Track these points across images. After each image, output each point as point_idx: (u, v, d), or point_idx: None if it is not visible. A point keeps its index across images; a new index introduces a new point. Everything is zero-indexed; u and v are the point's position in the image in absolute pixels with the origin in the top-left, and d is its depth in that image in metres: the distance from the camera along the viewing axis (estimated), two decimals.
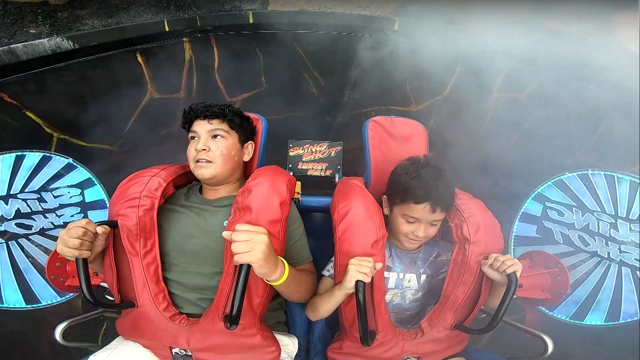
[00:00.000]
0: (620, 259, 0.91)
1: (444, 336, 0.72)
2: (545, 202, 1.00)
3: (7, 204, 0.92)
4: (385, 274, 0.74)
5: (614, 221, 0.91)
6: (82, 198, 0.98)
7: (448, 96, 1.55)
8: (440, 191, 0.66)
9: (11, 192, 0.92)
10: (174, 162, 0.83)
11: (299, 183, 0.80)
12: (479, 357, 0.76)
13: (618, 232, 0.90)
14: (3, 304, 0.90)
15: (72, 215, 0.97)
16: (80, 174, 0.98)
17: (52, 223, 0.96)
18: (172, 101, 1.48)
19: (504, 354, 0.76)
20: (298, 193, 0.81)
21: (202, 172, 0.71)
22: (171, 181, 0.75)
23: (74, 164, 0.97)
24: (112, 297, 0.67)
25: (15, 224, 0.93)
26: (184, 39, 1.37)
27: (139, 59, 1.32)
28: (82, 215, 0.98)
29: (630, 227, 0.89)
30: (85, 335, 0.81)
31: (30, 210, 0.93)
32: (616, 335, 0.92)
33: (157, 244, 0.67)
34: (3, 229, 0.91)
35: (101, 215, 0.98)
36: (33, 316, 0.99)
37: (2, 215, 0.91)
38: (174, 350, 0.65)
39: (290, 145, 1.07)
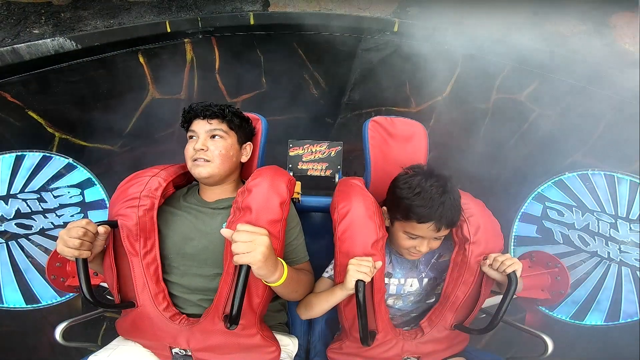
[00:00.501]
0: (620, 259, 0.90)
1: (444, 336, 0.72)
2: (545, 202, 1.00)
3: (7, 204, 0.92)
4: (386, 280, 0.73)
5: (614, 221, 0.91)
6: (82, 198, 0.98)
7: (448, 96, 1.55)
8: (445, 208, 0.61)
9: (11, 192, 0.92)
10: (174, 163, 0.83)
11: (299, 183, 0.81)
12: (479, 357, 0.76)
13: (618, 232, 0.90)
14: (3, 304, 0.90)
15: (72, 215, 0.97)
16: (80, 174, 0.99)
17: (52, 223, 0.96)
18: (173, 102, 1.48)
19: (504, 354, 0.76)
20: (298, 193, 0.81)
21: (199, 170, 0.72)
22: (171, 181, 0.76)
23: (74, 164, 0.98)
24: (112, 297, 0.67)
25: (15, 224, 0.93)
26: (186, 40, 1.37)
27: (141, 59, 1.33)
28: (82, 215, 0.98)
29: (630, 227, 0.89)
30: (85, 335, 0.81)
31: (30, 210, 0.94)
32: (616, 335, 0.92)
33: (157, 244, 0.68)
34: (3, 229, 0.92)
35: (101, 215, 0.98)
36: (33, 316, 0.99)
37: (2, 215, 0.91)
38: (174, 350, 0.65)
39: (290, 145, 1.07)
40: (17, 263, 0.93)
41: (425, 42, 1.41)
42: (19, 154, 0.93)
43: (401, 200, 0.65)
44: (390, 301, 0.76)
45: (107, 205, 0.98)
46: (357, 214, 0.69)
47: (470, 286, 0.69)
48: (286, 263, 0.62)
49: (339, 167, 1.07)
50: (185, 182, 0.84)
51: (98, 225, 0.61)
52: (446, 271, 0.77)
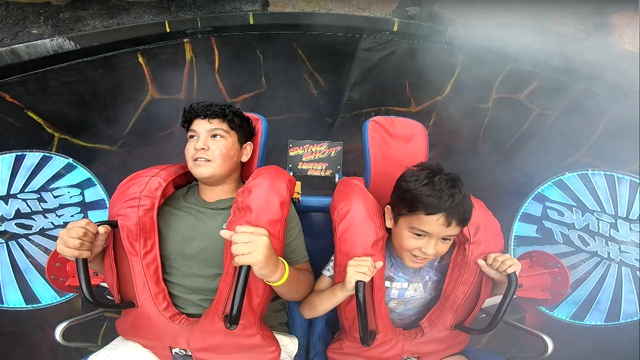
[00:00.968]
0: (620, 259, 0.90)
1: (444, 336, 0.71)
2: (545, 202, 1.00)
3: (7, 204, 0.92)
4: (387, 284, 0.72)
5: (614, 221, 0.91)
6: (82, 198, 0.98)
7: (448, 96, 1.55)
8: (455, 200, 0.55)
9: (11, 192, 0.92)
10: (174, 162, 0.83)
11: (299, 183, 0.80)
12: (479, 357, 0.76)
13: (618, 232, 0.90)
14: (3, 304, 0.90)
15: (72, 215, 0.97)
16: (80, 174, 0.98)
17: (52, 223, 0.96)
18: (172, 102, 1.48)
19: (504, 354, 0.76)
20: (298, 193, 0.81)
21: (200, 170, 0.72)
22: (171, 181, 0.76)
23: (74, 164, 0.98)
24: (112, 297, 0.67)
25: (15, 224, 0.93)
26: (185, 40, 1.37)
27: (140, 59, 1.33)
28: (82, 215, 0.98)
29: (630, 227, 0.89)
30: (85, 335, 0.81)
31: (30, 210, 0.94)
32: (616, 335, 0.92)
33: (157, 244, 0.68)
34: (3, 229, 0.91)
35: (101, 215, 0.98)
36: (33, 316, 0.99)
37: (2, 215, 0.91)
38: (174, 350, 0.65)
39: (290, 145, 1.07)
40: (17, 263, 0.93)
41: (425, 41, 1.41)
42: (19, 154, 0.93)
43: (408, 192, 0.59)
44: (392, 304, 0.75)
45: (107, 205, 0.98)
46: (357, 214, 0.69)
47: (470, 286, 0.69)
48: (287, 263, 0.62)
49: (339, 167, 1.07)
50: (185, 182, 0.84)
51: (98, 225, 0.61)
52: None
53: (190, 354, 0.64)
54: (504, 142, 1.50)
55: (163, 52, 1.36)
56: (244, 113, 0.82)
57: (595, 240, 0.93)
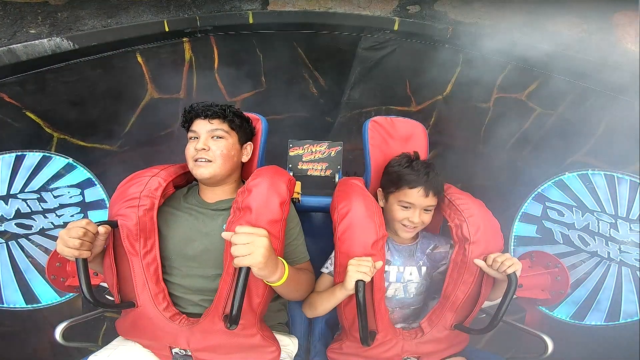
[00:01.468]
0: (620, 259, 0.91)
1: (444, 336, 0.72)
2: (545, 202, 1.00)
3: (7, 204, 0.92)
4: (386, 267, 0.74)
5: (614, 221, 0.91)
6: (82, 198, 0.98)
7: (448, 96, 1.55)
8: (430, 177, 0.72)
9: (11, 192, 0.92)
10: (174, 162, 0.82)
11: (299, 183, 0.80)
12: (479, 357, 0.76)
13: (618, 232, 0.90)
14: (3, 304, 0.90)
15: (72, 215, 0.97)
16: (80, 174, 0.98)
17: (52, 223, 0.96)
18: (172, 101, 1.48)
19: (504, 354, 0.76)
20: (298, 193, 0.81)
21: (201, 171, 0.71)
22: (171, 181, 0.75)
23: (74, 164, 0.98)
24: (112, 297, 0.67)
25: (15, 224, 0.93)
26: (184, 39, 1.37)
27: (139, 59, 1.32)
28: (82, 215, 0.98)
29: (630, 227, 0.89)
30: (85, 335, 0.81)
31: (30, 210, 0.93)
32: (616, 335, 0.92)
33: (157, 244, 0.68)
34: (3, 229, 0.91)
35: (101, 215, 0.98)
36: (33, 316, 0.99)
37: (2, 215, 0.91)
38: (174, 350, 0.65)
39: (290, 145, 1.07)
40: (17, 263, 0.93)
41: (426, 41, 1.40)
42: (19, 154, 0.93)
43: (394, 174, 0.76)
44: (391, 291, 0.76)
45: (107, 205, 0.98)
46: (357, 214, 0.69)
47: (470, 286, 0.69)
48: (287, 263, 0.62)
49: (339, 167, 1.07)
50: (185, 182, 0.83)
51: (98, 225, 0.61)
52: (442, 262, 0.79)
53: (190, 354, 0.64)
54: (505, 141, 1.50)
55: (162, 52, 1.35)
56: (244, 113, 0.82)
57: (595, 240, 0.93)
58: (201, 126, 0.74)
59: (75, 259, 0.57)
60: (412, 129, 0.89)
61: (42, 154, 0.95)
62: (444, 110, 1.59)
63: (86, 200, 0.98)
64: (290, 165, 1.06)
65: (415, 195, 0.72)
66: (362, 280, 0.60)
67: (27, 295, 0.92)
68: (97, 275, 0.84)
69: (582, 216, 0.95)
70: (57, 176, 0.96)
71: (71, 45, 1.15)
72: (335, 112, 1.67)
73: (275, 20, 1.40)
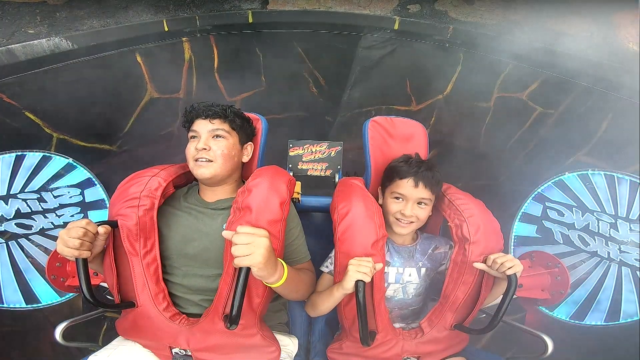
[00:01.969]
0: (620, 259, 0.91)
1: (444, 336, 0.72)
2: (545, 202, 1.00)
3: (7, 204, 0.92)
4: (385, 268, 0.74)
5: (614, 221, 0.91)
6: (82, 198, 0.98)
7: (448, 96, 1.54)
8: (422, 170, 0.73)
9: (11, 192, 0.92)
10: (174, 162, 0.82)
11: (299, 183, 0.80)
12: (479, 357, 0.76)
13: (618, 232, 0.90)
14: (3, 304, 0.90)
15: (72, 215, 0.97)
16: (80, 174, 0.98)
17: (52, 223, 0.96)
18: (171, 101, 1.48)
19: (504, 354, 0.76)
20: (298, 193, 0.80)
21: (202, 171, 0.71)
22: (171, 181, 0.75)
23: (74, 164, 0.98)
24: (112, 297, 0.67)
25: (15, 224, 0.93)
26: (184, 39, 1.36)
27: (138, 58, 1.32)
28: (82, 215, 0.98)
29: (630, 227, 0.89)
30: (86, 335, 0.81)
31: (30, 210, 0.94)
32: (616, 335, 0.92)
33: (157, 244, 0.67)
34: (3, 229, 0.92)
35: (101, 215, 0.98)
36: (33, 316, 0.99)
37: (2, 215, 0.91)
38: (174, 350, 0.65)
39: (290, 145, 1.07)
40: (17, 263, 0.93)
41: (426, 40, 1.40)
42: (19, 154, 0.93)
43: (389, 169, 0.78)
44: (390, 292, 0.76)
45: (107, 205, 0.98)
46: (357, 214, 0.69)
47: (470, 286, 0.69)
48: (288, 263, 0.62)
49: (339, 167, 1.06)
50: (185, 182, 0.83)
51: (98, 225, 0.60)
52: (442, 262, 0.78)
53: (190, 353, 0.65)
54: (505, 141, 1.49)
55: (161, 51, 1.35)
56: (244, 113, 0.82)
57: (595, 240, 0.93)
58: (202, 126, 0.74)
59: (75, 259, 0.57)
60: (412, 129, 0.89)
61: (42, 154, 0.95)
62: (444, 110, 1.58)
63: (86, 200, 0.99)
64: (290, 165, 1.06)
65: (405, 186, 0.72)
66: (362, 280, 0.60)
67: (27, 295, 0.92)
68: (97, 275, 0.84)
69: (582, 216, 0.95)
70: (57, 176, 0.96)
71: (70, 45, 1.15)
72: (335, 112, 1.67)
73: (275, 19, 1.40)
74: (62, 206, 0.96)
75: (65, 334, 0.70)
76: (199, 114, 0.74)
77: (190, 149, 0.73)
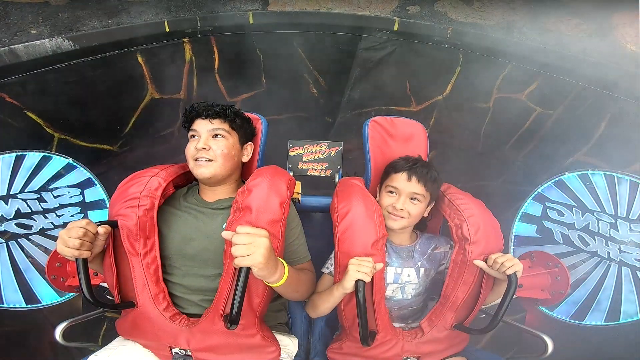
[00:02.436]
0: (620, 259, 0.91)
1: (444, 336, 0.72)
2: (545, 202, 1.00)
3: (7, 204, 0.92)
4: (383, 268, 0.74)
5: (614, 221, 0.91)
6: (82, 198, 0.98)
7: (448, 96, 1.55)
8: (417, 166, 0.74)
9: (11, 192, 0.92)
10: (174, 162, 0.83)
11: (299, 183, 0.80)
12: (479, 357, 0.76)
13: (618, 232, 0.90)
14: (3, 304, 0.90)
15: (72, 215, 0.97)
16: (80, 174, 0.99)
17: (52, 223, 0.96)
18: (172, 101, 1.48)
19: (504, 354, 0.76)
20: (298, 193, 0.81)
21: (202, 171, 0.71)
22: (171, 181, 0.76)
23: (74, 164, 0.98)
24: (112, 297, 0.67)
25: (15, 224, 0.93)
26: (184, 40, 1.37)
27: (140, 59, 1.32)
28: (82, 215, 0.98)
29: (630, 227, 0.89)
30: (86, 335, 0.81)
31: (30, 210, 0.94)
32: (616, 335, 0.92)
33: (157, 244, 0.67)
34: (3, 229, 0.92)
35: (101, 215, 0.98)
36: (33, 316, 0.99)
37: (2, 215, 0.91)
38: (174, 350, 0.65)
39: (290, 145, 1.07)
40: (17, 263, 0.93)
41: (426, 41, 1.40)
42: (19, 154, 0.93)
43: (388, 166, 0.80)
44: (389, 292, 0.76)
45: (107, 205, 0.98)
46: (357, 214, 0.69)
47: (470, 286, 0.69)
48: (288, 263, 0.62)
49: (339, 167, 1.07)
50: (185, 182, 0.84)
51: (98, 226, 0.61)
52: (442, 262, 0.78)
53: (190, 353, 0.64)
54: (505, 142, 1.50)
55: (162, 52, 1.35)
56: (244, 113, 0.82)
57: (595, 240, 0.93)
58: (202, 126, 0.74)
59: (75, 259, 0.57)
60: (412, 129, 0.89)
61: (42, 154, 0.95)
62: (444, 110, 1.59)
63: (86, 200, 0.99)
64: (290, 165, 1.06)
65: (399, 179, 0.74)
66: (362, 280, 0.60)
67: (27, 295, 0.92)
68: (97, 275, 0.84)
69: (582, 216, 0.95)
70: (57, 176, 0.96)
71: (72, 45, 1.16)
72: (335, 112, 1.67)
73: (276, 20, 1.40)
74: (62, 206, 0.96)
75: (65, 334, 0.70)
76: (199, 113, 0.74)
77: (190, 149, 0.74)
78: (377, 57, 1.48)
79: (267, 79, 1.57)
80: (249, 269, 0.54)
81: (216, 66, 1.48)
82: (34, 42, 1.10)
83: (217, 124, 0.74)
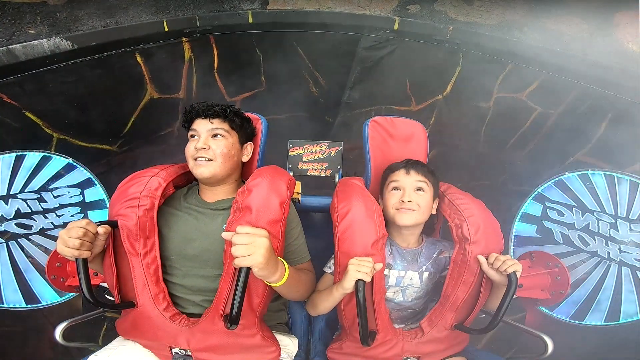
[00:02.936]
0: (620, 259, 0.91)
1: (444, 336, 0.72)
2: (545, 202, 1.00)
3: (7, 204, 0.92)
4: (386, 271, 0.74)
5: (614, 221, 0.91)
6: (82, 198, 0.98)
7: (448, 96, 1.55)
8: (412, 161, 0.79)
9: (11, 192, 0.92)
10: (174, 162, 0.82)
11: (299, 183, 0.80)
12: (479, 357, 0.76)
13: (618, 232, 0.90)
14: (3, 304, 0.90)
15: (72, 215, 0.97)
16: (80, 174, 0.98)
17: (52, 223, 0.96)
18: (171, 101, 1.48)
19: (504, 354, 0.76)
20: (298, 193, 0.81)
21: (202, 170, 0.71)
22: (171, 181, 0.75)
23: (74, 164, 0.98)
24: (112, 297, 0.67)
25: (15, 224, 0.93)
26: (184, 39, 1.37)
27: (139, 59, 1.32)
28: (82, 215, 0.98)
29: (630, 227, 0.89)
30: (86, 335, 0.81)
31: (30, 210, 0.94)
32: (616, 335, 0.92)
33: (157, 244, 0.67)
34: (3, 229, 0.92)
35: (101, 215, 0.98)
36: (33, 316, 0.99)
37: (2, 215, 0.91)
38: (174, 350, 0.65)
39: (290, 145, 1.07)
40: (17, 263, 0.93)
41: (426, 40, 1.40)
42: (19, 154, 0.93)
43: (384, 171, 0.82)
44: (390, 294, 0.76)
45: (107, 205, 0.98)
46: (357, 214, 0.69)
47: (470, 286, 0.69)
48: (288, 263, 0.62)
49: (339, 167, 1.06)
50: (185, 182, 0.83)
51: (98, 226, 0.60)
52: (445, 268, 0.78)
53: (190, 354, 0.64)
54: (505, 141, 1.49)
55: (162, 52, 1.35)
56: (244, 113, 0.82)
57: (595, 240, 0.93)
58: (202, 125, 0.74)
59: (75, 259, 0.57)
60: (412, 129, 0.89)
61: (42, 154, 0.95)
62: (444, 110, 1.58)
63: (86, 200, 0.99)
64: (290, 165, 1.06)
65: (398, 175, 0.77)
66: (362, 280, 0.60)
67: (27, 295, 0.92)
68: (97, 275, 0.84)
69: (582, 216, 0.95)
70: (57, 176, 0.96)
71: (70, 45, 1.15)
72: (335, 112, 1.67)
73: (275, 19, 1.40)
74: (62, 206, 0.96)
75: (65, 334, 0.70)
76: (198, 113, 0.74)
77: (190, 148, 0.73)
78: (377, 57, 1.48)
79: (267, 79, 1.57)
80: (249, 269, 0.54)
81: (216, 66, 1.48)
82: (32, 42, 1.10)
83: (217, 124, 0.74)
